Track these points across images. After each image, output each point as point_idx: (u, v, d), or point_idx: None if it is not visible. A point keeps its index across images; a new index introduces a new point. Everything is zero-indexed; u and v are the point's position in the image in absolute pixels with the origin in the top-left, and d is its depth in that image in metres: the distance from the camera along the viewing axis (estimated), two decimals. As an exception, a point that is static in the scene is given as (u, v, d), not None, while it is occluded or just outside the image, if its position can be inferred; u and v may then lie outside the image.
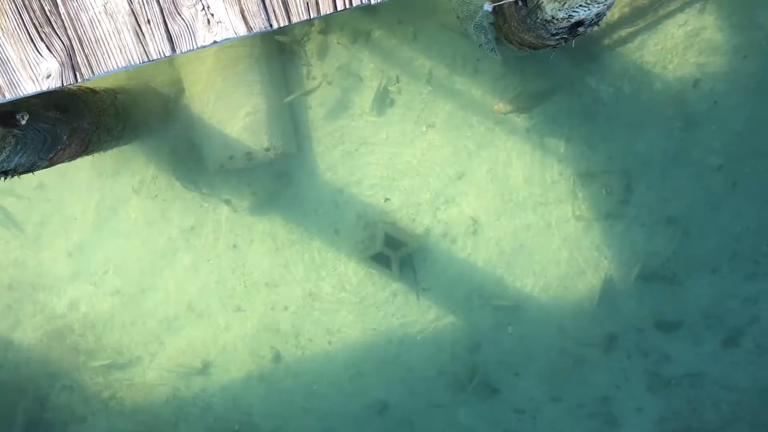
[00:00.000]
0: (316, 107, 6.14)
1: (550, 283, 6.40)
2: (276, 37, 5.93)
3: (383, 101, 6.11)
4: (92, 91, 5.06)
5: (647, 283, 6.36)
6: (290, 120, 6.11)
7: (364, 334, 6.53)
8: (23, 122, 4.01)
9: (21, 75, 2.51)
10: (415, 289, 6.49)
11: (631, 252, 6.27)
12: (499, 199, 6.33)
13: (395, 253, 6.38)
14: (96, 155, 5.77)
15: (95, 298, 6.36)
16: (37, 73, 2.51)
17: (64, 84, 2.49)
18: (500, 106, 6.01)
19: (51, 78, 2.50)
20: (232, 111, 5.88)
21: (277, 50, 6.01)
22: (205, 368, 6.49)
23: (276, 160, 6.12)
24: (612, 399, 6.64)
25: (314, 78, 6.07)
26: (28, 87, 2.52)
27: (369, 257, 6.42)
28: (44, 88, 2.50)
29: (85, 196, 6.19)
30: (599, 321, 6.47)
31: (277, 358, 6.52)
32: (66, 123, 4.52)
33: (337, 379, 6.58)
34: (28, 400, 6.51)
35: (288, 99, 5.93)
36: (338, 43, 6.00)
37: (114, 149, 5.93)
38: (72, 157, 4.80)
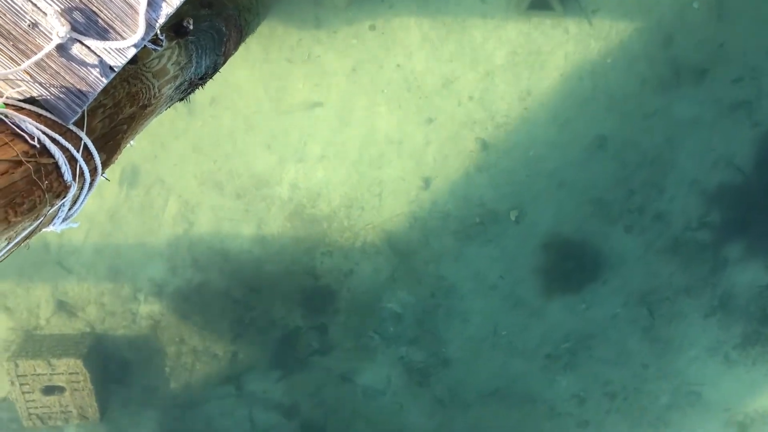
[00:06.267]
0: None
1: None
2: None
3: None
4: (217, -19, 5.15)
5: None
6: None
7: (554, 83, 6.45)
8: (191, 27, 4.23)
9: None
10: (584, 17, 6.20)
11: None
12: None
13: (550, -10, 6.07)
14: (242, 50, 5.94)
15: (307, 172, 6.86)
16: None
17: None
18: None
19: None
20: (335, -65, 5.69)
21: None
22: (427, 184, 6.87)
23: (398, -39, 5.92)
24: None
25: None
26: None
27: (526, 9, 6.18)
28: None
29: (252, 89, 6.50)
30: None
31: (484, 146, 6.70)
32: (218, 15, 4.68)
33: (547, 137, 6.66)
34: (301, 277, 7.38)
35: None
36: None
37: (254, 35, 6.06)
38: (236, 46, 5.02)
